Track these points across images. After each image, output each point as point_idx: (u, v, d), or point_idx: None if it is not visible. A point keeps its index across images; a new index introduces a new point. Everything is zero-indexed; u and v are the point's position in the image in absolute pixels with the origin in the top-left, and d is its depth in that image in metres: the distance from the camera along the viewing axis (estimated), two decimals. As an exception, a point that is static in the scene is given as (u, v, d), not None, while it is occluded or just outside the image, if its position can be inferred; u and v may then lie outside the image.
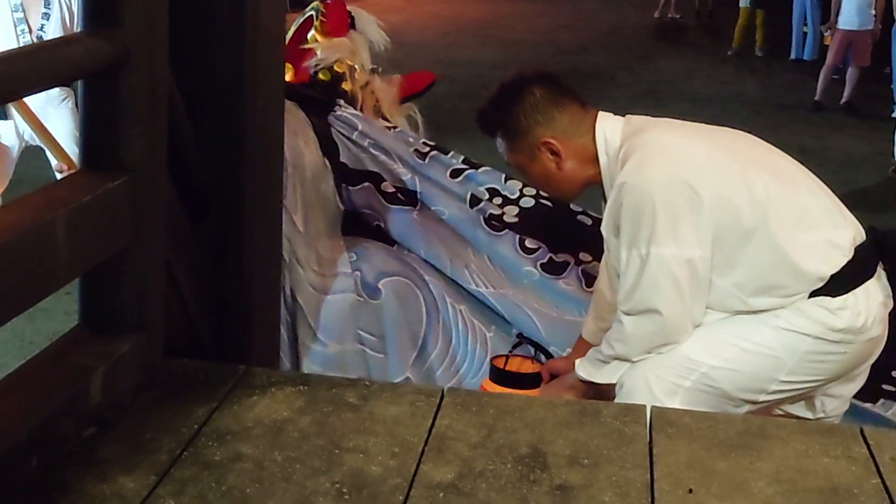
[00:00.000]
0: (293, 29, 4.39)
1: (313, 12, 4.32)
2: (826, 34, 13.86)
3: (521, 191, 4.05)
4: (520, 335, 3.63)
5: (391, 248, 3.99)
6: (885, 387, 3.54)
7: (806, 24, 15.89)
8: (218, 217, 2.57)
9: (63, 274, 1.97)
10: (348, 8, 4.49)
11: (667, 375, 2.92)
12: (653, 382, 2.92)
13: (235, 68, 2.51)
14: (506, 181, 4.09)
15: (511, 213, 4.00)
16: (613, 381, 3.04)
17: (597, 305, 3.42)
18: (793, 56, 16.06)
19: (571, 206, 4.00)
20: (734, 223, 2.87)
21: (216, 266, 2.58)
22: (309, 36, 4.28)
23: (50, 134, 4.66)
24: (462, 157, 4.14)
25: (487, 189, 4.05)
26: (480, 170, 4.10)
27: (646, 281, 2.90)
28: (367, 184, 4.06)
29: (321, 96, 4.11)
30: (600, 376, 3.09)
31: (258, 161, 2.62)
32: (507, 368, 3.30)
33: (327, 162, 3.99)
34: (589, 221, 3.96)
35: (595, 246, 3.45)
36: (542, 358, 3.52)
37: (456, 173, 4.08)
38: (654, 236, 2.85)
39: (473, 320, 3.83)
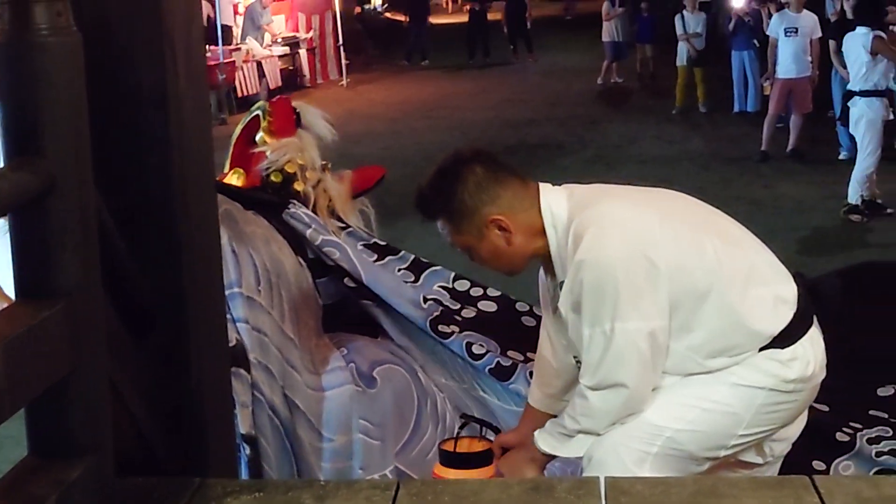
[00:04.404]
0: (239, 129, 4.41)
1: (259, 112, 4.34)
2: (765, 84, 14.06)
3: (467, 292, 4.13)
4: (464, 415, 3.65)
5: (376, 339, 4.08)
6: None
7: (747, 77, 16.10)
8: (162, 330, 2.58)
9: (5, 407, 1.97)
10: (293, 104, 4.53)
11: (635, 444, 2.94)
12: (623, 453, 2.93)
13: (165, 181, 2.54)
14: (454, 280, 4.15)
15: (458, 316, 4.07)
16: (580, 455, 3.05)
17: (540, 371, 3.43)
18: (736, 109, 16.28)
19: (517, 306, 4.12)
20: (689, 288, 2.92)
21: (165, 379, 2.58)
22: (257, 138, 4.30)
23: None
24: (412, 258, 4.19)
25: (438, 288, 4.12)
26: (428, 271, 4.16)
27: (611, 356, 2.92)
28: (330, 276, 4.11)
29: (274, 198, 4.13)
30: (565, 450, 3.10)
31: (197, 271, 2.64)
32: (457, 450, 3.30)
33: (301, 260, 4.04)
34: (533, 322, 4.00)
35: None
36: (491, 434, 3.52)
37: (406, 277, 4.13)
38: (617, 312, 2.88)
39: (452, 408, 3.95)
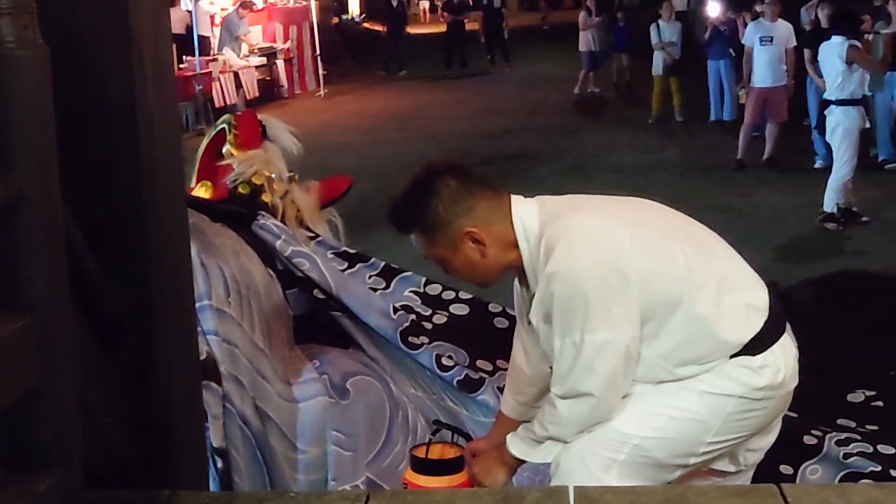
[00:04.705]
0: (205, 143, 4.42)
1: (225, 126, 4.36)
2: (741, 93, 14.11)
3: (439, 296, 4.12)
4: (437, 422, 3.65)
5: (347, 350, 4.07)
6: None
7: (722, 86, 16.16)
8: (132, 342, 2.57)
9: (-28, 420, 1.97)
10: (259, 117, 4.54)
11: (602, 451, 2.95)
12: (589, 460, 2.95)
13: (134, 193, 2.53)
14: (425, 285, 4.15)
15: (428, 324, 4.06)
16: (548, 461, 3.06)
17: (514, 379, 3.44)
18: (712, 118, 16.32)
19: (489, 307, 4.10)
20: (660, 297, 2.93)
21: (135, 391, 2.58)
22: (224, 150, 4.31)
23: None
24: (383, 265, 4.19)
25: (409, 294, 4.11)
26: (398, 277, 4.16)
27: (581, 367, 2.93)
28: (300, 287, 4.11)
29: (242, 210, 4.14)
30: (535, 455, 3.11)
31: (167, 283, 2.64)
32: (428, 457, 3.30)
33: (271, 272, 4.04)
34: (506, 323, 4.01)
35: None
36: (462, 441, 3.52)
37: (377, 284, 4.12)
38: (587, 324, 2.89)
39: (422, 418, 3.94)
